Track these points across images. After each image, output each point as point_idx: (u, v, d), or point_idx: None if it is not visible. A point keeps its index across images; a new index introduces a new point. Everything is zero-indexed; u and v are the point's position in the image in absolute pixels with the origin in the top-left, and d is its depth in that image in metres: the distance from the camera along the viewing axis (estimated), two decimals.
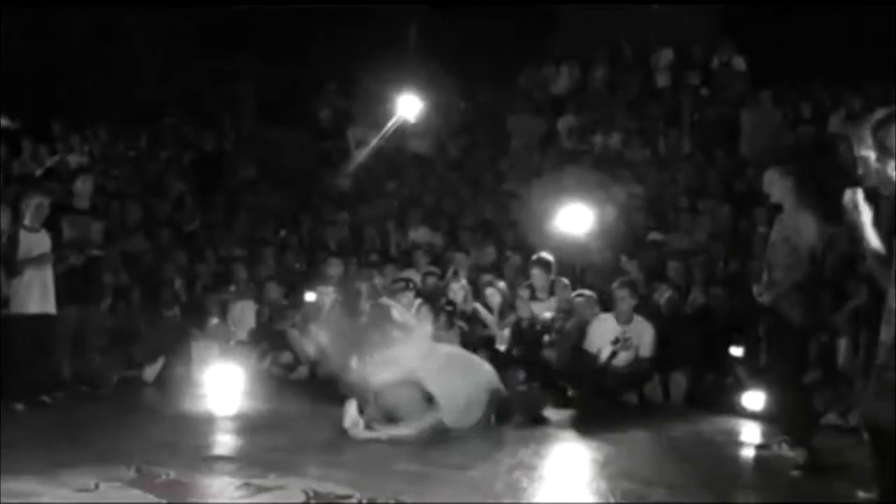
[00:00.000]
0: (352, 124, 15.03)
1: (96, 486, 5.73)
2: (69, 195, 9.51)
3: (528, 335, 9.76)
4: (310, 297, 10.57)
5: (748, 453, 7.55)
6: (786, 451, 6.69)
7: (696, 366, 9.08)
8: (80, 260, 8.96)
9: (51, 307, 8.59)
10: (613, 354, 9.22)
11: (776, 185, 6.83)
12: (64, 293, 8.76)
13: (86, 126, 14.91)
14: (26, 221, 8.52)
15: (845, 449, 6.55)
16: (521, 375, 9.41)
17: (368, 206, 13.22)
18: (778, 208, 6.95)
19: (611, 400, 9.07)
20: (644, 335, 9.22)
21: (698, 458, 7.07)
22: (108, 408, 8.69)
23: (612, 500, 5.71)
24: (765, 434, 7.51)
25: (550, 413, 8.43)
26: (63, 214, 9.08)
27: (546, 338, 9.65)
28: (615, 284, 9.51)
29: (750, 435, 7.85)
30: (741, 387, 8.51)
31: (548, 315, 9.83)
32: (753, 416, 8.18)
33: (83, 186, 9.65)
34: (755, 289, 7.00)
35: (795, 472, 6.37)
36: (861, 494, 5.69)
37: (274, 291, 10.88)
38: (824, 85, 13.02)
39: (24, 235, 8.46)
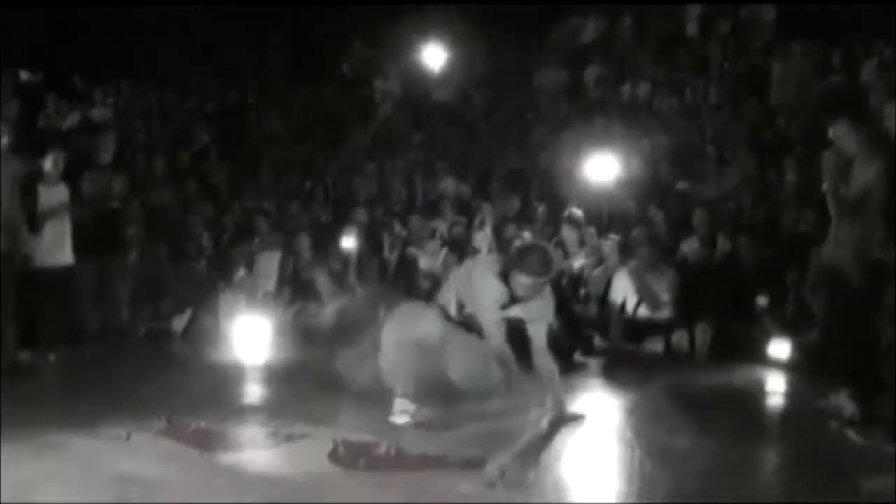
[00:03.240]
0: (378, 76, 14.99)
1: (128, 437, 5.81)
2: (92, 150, 9.55)
3: (558, 288, 9.76)
4: (346, 242, 10.60)
5: (775, 402, 7.57)
6: (843, 401, 6.65)
7: (723, 315, 9.06)
8: (99, 211, 9.03)
9: (69, 259, 8.65)
10: (639, 304, 9.26)
11: (847, 138, 6.65)
12: (85, 246, 8.83)
13: (108, 80, 14.92)
14: (45, 176, 8.55)
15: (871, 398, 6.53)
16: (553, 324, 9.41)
17: (395, 156, 13.20)
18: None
19: (637, 349, 9.11)
20: (665, 282, 9.25)
21: (723, 407, 7.07)
22: (137, 359, 8.77)
23: (636, 449, 5.73)
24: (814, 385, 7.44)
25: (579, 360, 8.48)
26: (85, 170, 9.11)
27: (583, 291, 9.66)
28: (634, 237, 9.53)
29: (776, 385, 7.86)
30: (767, 336, 8.50)
31: (577, 265, 9.85)
32: (780, 365, 8.19)
33: (106, 142, 9.70)
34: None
35: (835, 424, 6.36)
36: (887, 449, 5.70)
37: (303, 242, 10.90)
38: (856, 34, 12.82)
39: (42, 190, 8.50)
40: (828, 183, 6.64)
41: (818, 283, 7.01)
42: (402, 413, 6.07)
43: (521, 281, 6.11)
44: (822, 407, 6.69)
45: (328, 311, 10.15)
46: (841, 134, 6.65)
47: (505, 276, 6.16)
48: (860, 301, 6.57)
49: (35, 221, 8.38)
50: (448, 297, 6.38)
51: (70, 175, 8.77)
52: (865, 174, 6.48)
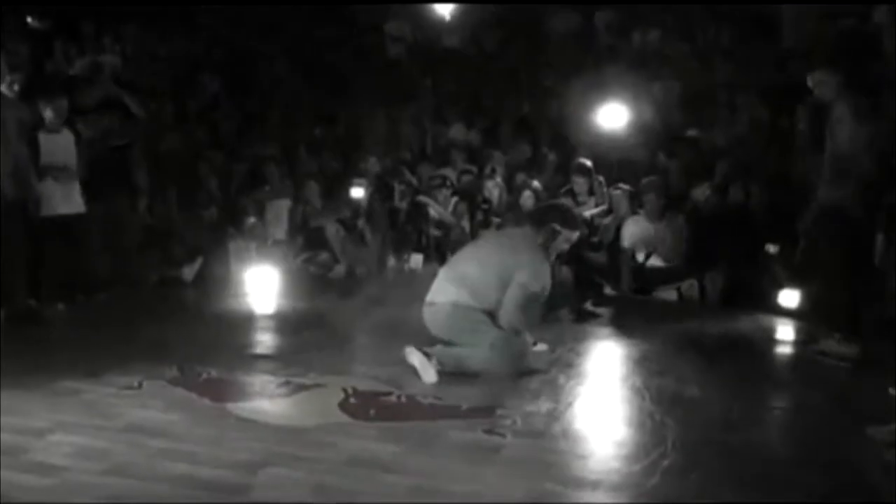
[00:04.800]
0: (388, 20, 14.87)
1: (139, 385, 5.85)
2: (79, 97, 9.50)
3: None
4: (355, 192, 10.60)
5: (783, 350, 7.58)
6: (833, 346, 6.73)
7: (733, 264, 9.05)
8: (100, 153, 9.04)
9: (79, 207, 8.62)
10: (649, 254, 9.25)
11: (826, 86, 6.68)
12: (91, 190, 8.81)
13: (117, 26, 14.80)
14: (46, 123, 8.48)
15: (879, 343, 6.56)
16: (565, 274, 9.42)
17: (405, 103, 13.12)
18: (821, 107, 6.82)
19: (648, 298, 9.12)
20: (675, 231, 9.23)
21: (733, 355, 7.10)
22: (148, 307, 8.78)
23: (646, 397, 5.75)
24: (811, 330, 7.47)
25: (590, 309, 8.48)
26: (76, 116, 9.06)
27: (594, 239, 9.66)
28: (641, 187, 9.50)
29: (786, 332, 7.87)
30: (778, 285, 8.49)
31: (587, 214, 9.84)
32: (789, 313, 8.19)
33: (92, 87, 9.70)
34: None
35: (844, 364, 6.45)
36: (893, 391, 5.71)
37: (312, 190, 10.89)
38: None
39: (43, 138, 8.42)
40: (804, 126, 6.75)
41: (814, 225, 7.01)
42: (429, 369, 6.06)
43: (572, 237, 6.55)
44: (820, 351, 6.79)
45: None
46: (817, 81, 6.69)
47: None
48: (857, 242, 6.61)
49: (43, 169, 8.34)
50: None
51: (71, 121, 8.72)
52: (848, 120, 6.52)
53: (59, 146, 8.46)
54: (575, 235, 6.57)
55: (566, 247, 6.53)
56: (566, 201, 10.01)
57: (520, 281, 6.17)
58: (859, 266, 6.76)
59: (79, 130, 8.91)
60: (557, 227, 6.39)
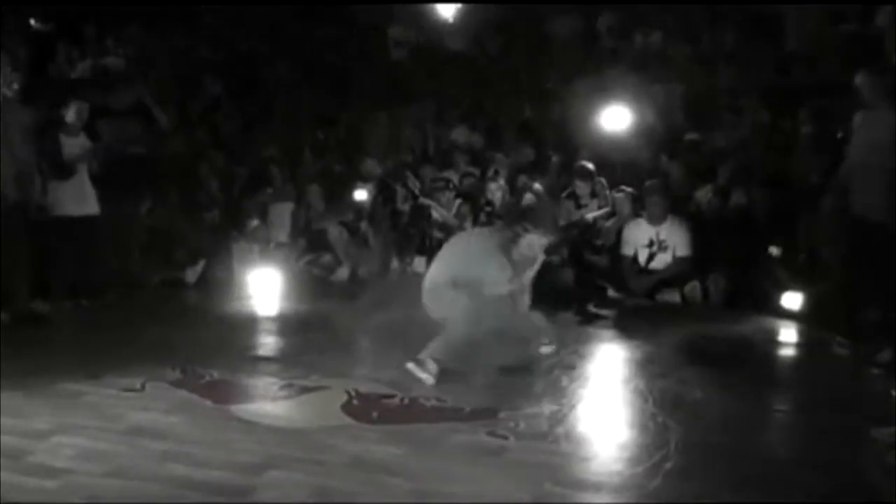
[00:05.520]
0: (391, 23, 14.86)
1: (142, 387, 5.85)
2: (108, 98, 9.55)
3: (571, 238, 9.75)
4: (358, 195, 10.60)
5: (786, 353, 7.57)
6: (838, 349, 6.73)
7: (736, 266, 9.03)
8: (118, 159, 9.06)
9: (91, 209, 8.66)
10: (651, 258, 9.23)
11: (867, 87, 6.68)
12: (105, 194, 8.83)
13: (120, 28, 14.79)
14: (68, 127, 8.53)
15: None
16: (568, 276, 9.42)
17: (407, 105, 13.11)
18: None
19: (650, 301, 9.10)
20: (678, 235, 9.21)
21: (736, 357, 7.09)
22: (150, 309, 8.79)
23: (649, 399, 5.75)
24: (814, 332, 7.46)
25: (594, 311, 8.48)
26: (100, 118, 9.10)
27: (598, 242, 9.65)
28: (645, 189, 9.49)
29: (788, 335, 7.86)
30: (780, 287, 8.47)
31: (590, 217, 9.83)
32: (792, 316, 8.17)
33: (124, 90, 9.72)
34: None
35: (875, 370, 6.39)
36: (895, 393, 5.71)
37: (315, 192, 10.88)
38: None
39: (63, 139, 8.50)
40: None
41: (841, 233, 6.99)
42: (425, 372, 6.07)
43: (536, 243, 6.44)
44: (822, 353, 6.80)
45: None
46: (860, 82, 6.69)
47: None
48: (873, 247, 6.60)
49: (55, 170, 8.37)
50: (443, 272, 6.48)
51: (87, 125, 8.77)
52: (879, 123, 6.51)
53: (77, 149, 8.51)
54: (543, 242, 6.46)
55: (530, 253, 6.42)
56: (567, 204, 10.04)
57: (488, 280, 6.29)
58: (865, 269, 6.74)
59: (99, 133, 8.96)
60: (521, 231, 6.38)
